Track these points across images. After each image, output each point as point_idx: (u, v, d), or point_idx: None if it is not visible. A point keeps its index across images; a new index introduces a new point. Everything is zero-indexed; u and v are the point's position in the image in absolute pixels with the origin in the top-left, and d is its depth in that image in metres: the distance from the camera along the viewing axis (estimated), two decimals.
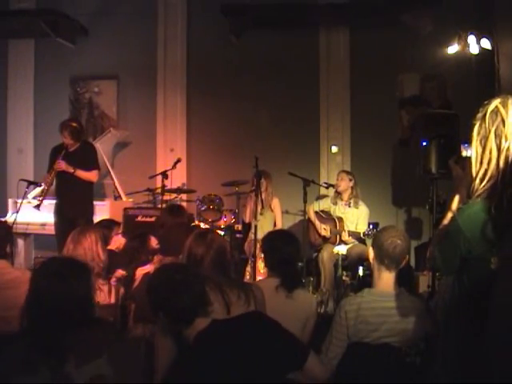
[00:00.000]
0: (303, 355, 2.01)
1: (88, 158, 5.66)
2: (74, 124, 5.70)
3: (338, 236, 5.78)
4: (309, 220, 5.96)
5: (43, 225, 6.24)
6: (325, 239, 5.89)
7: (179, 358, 2.05)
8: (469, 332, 1.81)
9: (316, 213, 6.01)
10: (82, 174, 5.56)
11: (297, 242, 3.08)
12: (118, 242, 4.34)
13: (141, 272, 3.21)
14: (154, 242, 3.95)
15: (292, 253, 2.97)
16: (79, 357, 1.91)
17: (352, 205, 5.90)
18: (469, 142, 1.81)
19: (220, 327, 2.04)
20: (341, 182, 5.95)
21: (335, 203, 6.00)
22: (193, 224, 5.90)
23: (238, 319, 2.15)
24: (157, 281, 2.12)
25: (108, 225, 4.35)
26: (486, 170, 1.77)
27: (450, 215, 1.93)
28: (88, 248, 3.30)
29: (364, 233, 5.56)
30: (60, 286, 2.00)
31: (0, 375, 1.88)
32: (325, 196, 6.43)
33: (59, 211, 5.63)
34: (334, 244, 5.78)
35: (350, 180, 5.95)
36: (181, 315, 2.05)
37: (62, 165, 5.46)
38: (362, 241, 5.78)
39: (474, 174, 1.80)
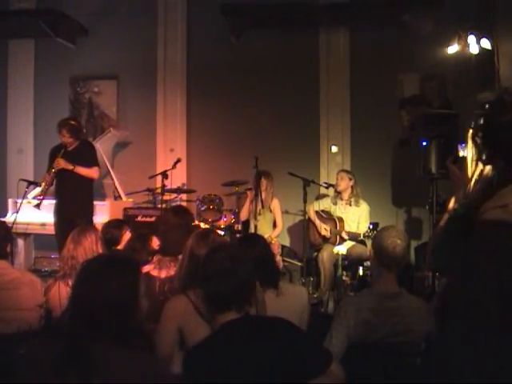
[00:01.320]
0: (327, 362, 2.01)
1: (87, 156, 5.65)
2: (72, 122, 5.70)
3: (338, 236, 5.79)
4: (309, 220, 5.97)
5: (43, 225, 6.22)
6: (325, 239, 5.89)
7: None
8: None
9: (316, 212, 6.01)
10: (82, 170, 5.54)
11: (260, 242, 3.06)
12: (127, 239, 4.30)
13: None
14: (155, 243, 3.94)
15: (260, 255, 2.96)
16: (105, 381, 1.73)
17: (353, 204, 5.90)
18: (465, 142, 1.81)
19: (249, 322, 2.04)
20: (341, 182, 5.95)
21: (335, 203, 6.00)
22: (193, 224, 5.89)
23: (268, 320, 2.16)
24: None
25: (117, 225, 4.30)
26: (482, 171, 1.78)
27: (446, 216, 1.93)
28: (88, 248, 3.31)
29: (364, 234, 5.56)
30: (94, 284, 1.81)
31: (24, 373, 1.79)
32: (325, 196, 6.43)
33: (59, 211, 5.62)
34: (334, 244, 5.78)
35: (350, 179, 5.95)
36: (211, 299, 2.07)
37: (61, 162, 5.44)
38: (361, 241, 5.79)
39: (469, 175, 1.80)
